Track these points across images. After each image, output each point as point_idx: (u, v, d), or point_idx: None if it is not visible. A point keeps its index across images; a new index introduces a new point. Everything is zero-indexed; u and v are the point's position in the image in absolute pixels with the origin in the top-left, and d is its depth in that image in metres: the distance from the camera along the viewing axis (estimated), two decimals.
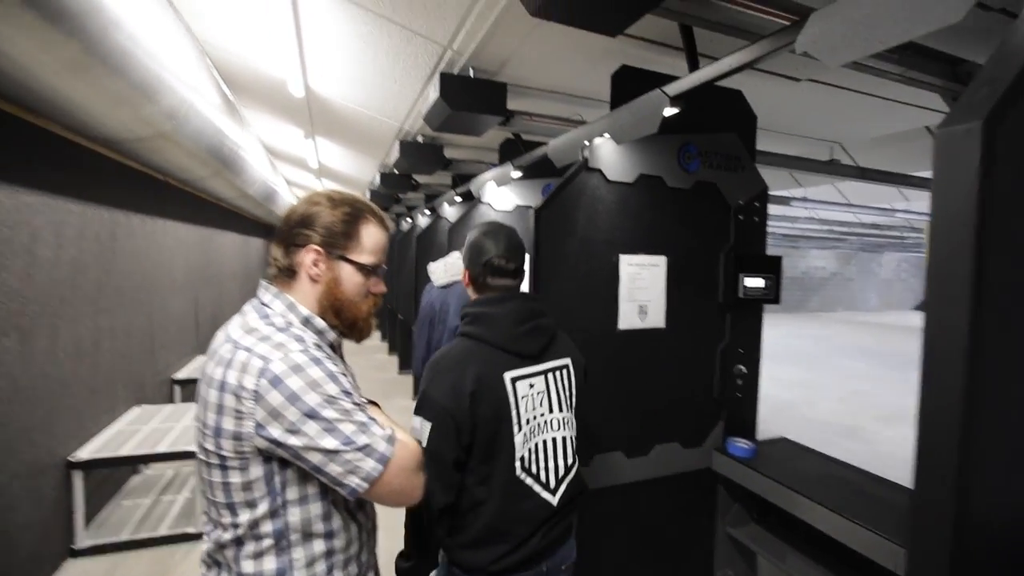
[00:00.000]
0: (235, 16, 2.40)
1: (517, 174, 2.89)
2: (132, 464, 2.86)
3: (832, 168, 3.27)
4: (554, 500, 1.14)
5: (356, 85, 2.80)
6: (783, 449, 2.05)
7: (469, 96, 2.23)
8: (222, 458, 0.81)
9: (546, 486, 1.14)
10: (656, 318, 1.95)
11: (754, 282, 2.06)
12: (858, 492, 1.68)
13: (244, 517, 0.83)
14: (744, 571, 2.09)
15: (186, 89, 2.33)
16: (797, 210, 6.66)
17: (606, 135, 1.83)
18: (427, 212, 5.57)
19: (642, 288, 1.92)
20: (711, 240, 2.05)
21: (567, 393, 1.22)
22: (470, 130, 2.49)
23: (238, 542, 0.84)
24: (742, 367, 2.10)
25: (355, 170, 5.60)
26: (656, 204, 1.93)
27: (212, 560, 0.88)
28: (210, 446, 0.81)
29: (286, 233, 0.91)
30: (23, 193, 2.10)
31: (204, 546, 0.89)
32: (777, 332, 11.88)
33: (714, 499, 2.10)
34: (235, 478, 0.82)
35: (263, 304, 0.90)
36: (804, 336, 11.64)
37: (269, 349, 0.81)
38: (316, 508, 0.87)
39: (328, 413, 0.80)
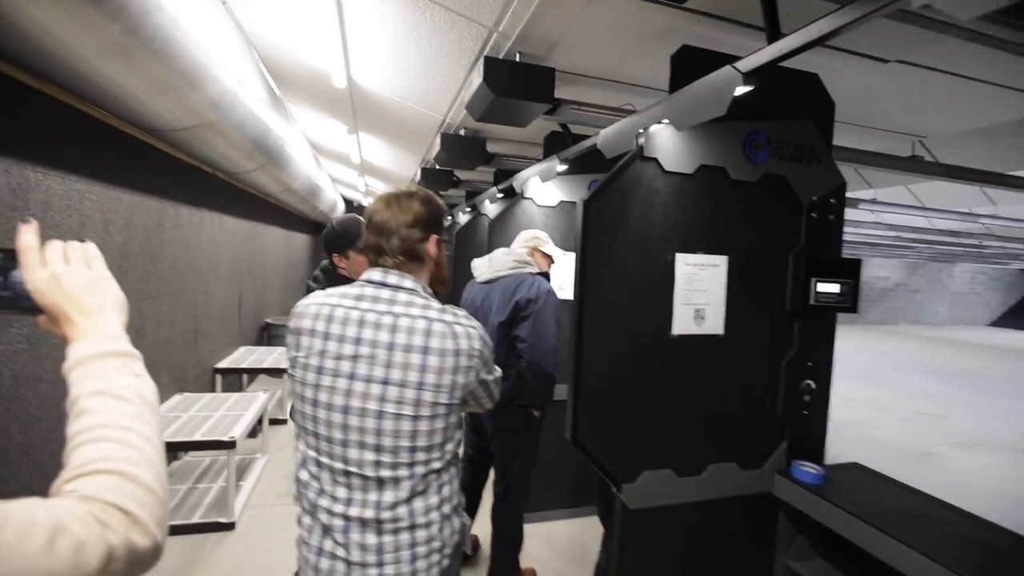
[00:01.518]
0: (280, 4, 2.37)
1: (563, 167, 2.74)
2: (170, 452, 2.90)
3: (914, 165, 2.93)
4: None
5: (398, 74, 2.73)
6: (857, 476, 1.81)
7: (514, 81, 2.10)
8: (450, 407, 1.06)
9: None
10: (714, 323, 1.76)
11: (828, 288, 1.84)
12: (950, 532, 1.46)
13: (450, 447, 1.10)
14: None
15: (231, 79, 2.32)
16: (863, 214, 6.15)
17: (664, 121, 1.66)
18: (468, 209, 5.49)
19: (700, 291, 1.74)
20: (779, 239, 1.84)
21: None
22: (514, 119, 2.36)
23: (439, 473, 1.07)
24: (810, 382, 1.87)
25: (396, 166, 5.60)
26: (718, 198, 1.74)
27: (391, 521, 1.03)
28: (444, 400, 1.04)
29: (411, 227, 1.11)
30: (73, 180, 2.14)
31: (382, 512, 1.01)
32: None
33: (774, 528, 1.88)
34: (453, 419, 1.08)
35: (411, 290, 1.09)
36: (864, 349, 10.90)
37: (466, 319, 1.10)
38: (460, 433, 1.14)
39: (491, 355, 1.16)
